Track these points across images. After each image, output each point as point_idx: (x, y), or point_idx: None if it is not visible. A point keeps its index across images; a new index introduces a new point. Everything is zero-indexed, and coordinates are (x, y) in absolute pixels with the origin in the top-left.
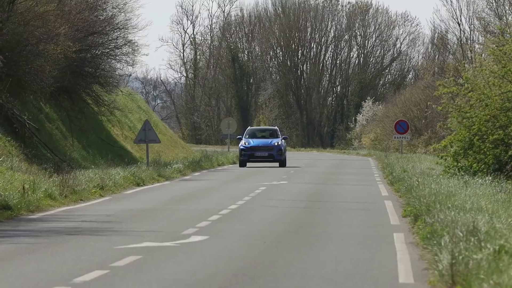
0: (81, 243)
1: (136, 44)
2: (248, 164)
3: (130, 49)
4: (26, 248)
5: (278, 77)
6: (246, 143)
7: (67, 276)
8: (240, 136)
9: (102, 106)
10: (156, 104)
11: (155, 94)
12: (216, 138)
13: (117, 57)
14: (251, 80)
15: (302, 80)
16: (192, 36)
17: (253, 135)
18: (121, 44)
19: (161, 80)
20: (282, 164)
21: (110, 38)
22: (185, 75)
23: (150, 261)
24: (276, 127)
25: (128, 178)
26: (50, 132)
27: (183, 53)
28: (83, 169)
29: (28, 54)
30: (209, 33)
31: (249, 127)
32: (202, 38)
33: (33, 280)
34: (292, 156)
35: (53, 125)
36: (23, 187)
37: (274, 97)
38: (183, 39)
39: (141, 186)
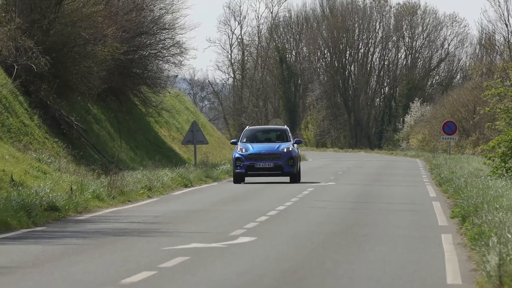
0: (129, 244)
1: (183, 45)
2: (247, 179)
3: (178, 50)
4: (74, 249)
5: (325, 78)
6: (244, 150)
7: (115, 277)
8: (235, 140)
9: (149, 107)
10: (203, 105)
11: (202, 95)
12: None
13: (165, 58)
14: (299, 81)
15: (350, 81)
16: (240, 37)
17: (253, 138)
18: (168, 45)
19: (208, 81)
20: (294, 178)
21: (157, 39)
22: (232, 76)
23: (198, 262)
24: (285, 127)
25: (176, 179)
26: (98, 133)
27: (230, 54)
28: (131, 170)
29: (76, 55)
30: (256, 34)
31: (248, 127)
32: (250, 39)
33: (81, 281)
34: (336, 158)
35: (101, 126)
36: (71, 188)
37: (321, 98)
38: (230, 40)
39: (189, 187)
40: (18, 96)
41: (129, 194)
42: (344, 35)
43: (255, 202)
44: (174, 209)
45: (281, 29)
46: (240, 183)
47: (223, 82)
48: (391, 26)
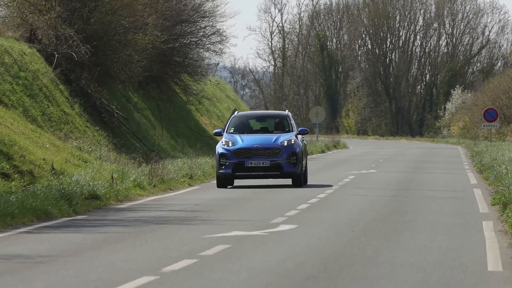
0: (170, 232)
1: (224, 33)
2: (236, 182)
3: (219, 38)
4: (114, 238)
5: (366, 66)
6: (230, 143)
7: (156, 266)
8: (218, 130)
9: (190, 95)
10: (244, 93)
11: (243, 83)
12: (305, 127)
13: (205, 46)
14: (340, 68)
15: (391, 68)
16: (280, 24)
17: (243, 127)
18: (209, 33)
19: (249, 69)
20: (298, 180)
21: (198, 27)
22: (273, 64)
23: (238, 250)
24: (287, 112)
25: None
26: (139, 122)
27: (271, 42)
28: (172, 158)
29: (116, 43)
30: (297, 22)
31: (236, 112)
32: (291, 27)
33: (122, 269)
34: (377, 145)
35: (142, 115)
36: (112, 176)
37: (362, 85)
38: (271, 28)
39: None
40: (58, 84)
41: (170, 182)
42: (385, 22)
43: (296, 189)
44: (215, 197)
45: (322, 16)
46: (225, 187)
47: (264, 70)
48: (432, 14)
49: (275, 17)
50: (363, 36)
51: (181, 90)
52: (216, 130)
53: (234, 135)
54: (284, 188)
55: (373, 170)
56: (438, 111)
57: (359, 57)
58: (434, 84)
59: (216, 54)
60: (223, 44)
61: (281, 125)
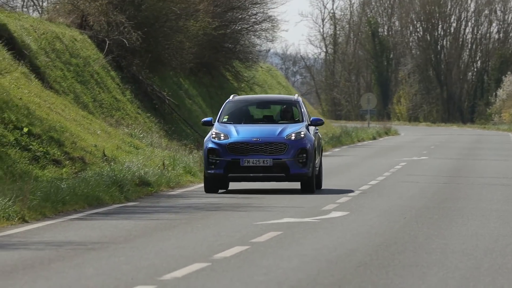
0: (221, 219)
1: (275, 19)
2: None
3: (270, 25)
4: (166, 224)
5: (418, 52)
6: (222, 136)
7: (207, 252)
8: (208, 119)
9: (242, 81)
10: (295, 79)
11: (294, 70)
12: (356, 114)
13: (257, 33)
14: (391, 55)
15: (442, 55)
16: (332, 11)
17: (240, 116)
18: (260, 19)
19: (300, 56)
20: (309, 184)
21: (249, 14)
22: (324, 50)
23: (290, 237)
24: (296, 97)
25: None
26: (190, 108)
27: (322, 28)
28: None
29: (167, 30)
30: (348, 8)
31: (232, 96)
32: (342, 13)
33: (173, 256)
34: (428, 132)
35: (193, 101)
36: (163, 163)
37: (414, 72)
38: (322, 14)
39: None
40: (110, 71)
41: None
42: (436, 9)
43: (347, 176)
44: (266, 184)
45: (373, 3)
46: (216, 191)
47: (315, 56)
48: (483, 0)
49: (326, 4)
50: (415, 22)
51: (233, 76)
52: (205, 119)
53: (228, 125)
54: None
55: (425, 157)
56: (489, 97)
57: (411, 44)
58: (485, 71)
59: (267, 41)
60: (275, 31)
61: (289, 114)
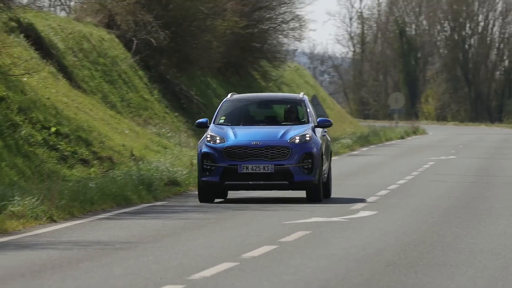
0: (250, 219)
1: (303, 19)
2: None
3: (297, 24)
4: (194, 224)
5: (445, 51)
6: (218, 139)
7: (236, 252)
8: (203, 120)
9: (269, 81)
10: (323, 79)
11: (322, 69)
12: (384, 113)
13: (284, 32)
14: (419, 54)
15: (470, 54)
16: (359, 10)
17: (238, 116)
18: (288, 19)
19: (328, 55)
20: (315, 193)
21: (277, 13)
22: (352, 49)
23: (318, 236)
24: (302, 95)
25: None
26: None
27: (350, 28)
28: None
29: (195, 29)
30: (376, 7)
31: (230, 95)
32: (369, 13)
33: (202, 255)
34: (456, 131)
35: (221, 101)
36: (191, 163)
37: (441, 71)
38: (350, 14)
39: None
40: (137, 70)
41: None
42: (464, 8)
43: (376, 175)
44: None
45: (400, 2)
46: (212, 201)
47: (343, 55)
48: None
49: (354, 3)
50: (442, 21)
51: (260, 76)
52: (200, 120)
53: (225, 127)
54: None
55: (453, 156)
56: None
57: (438, 43)
58: None
59: (295, 40)
60: (302, 30)
61: (293, 114)
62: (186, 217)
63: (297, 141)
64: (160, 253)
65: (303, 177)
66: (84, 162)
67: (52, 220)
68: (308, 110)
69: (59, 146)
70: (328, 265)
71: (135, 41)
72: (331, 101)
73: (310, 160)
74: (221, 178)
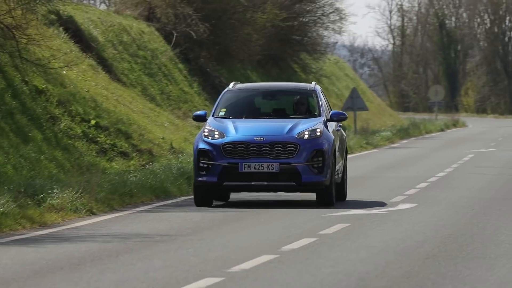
0: (289, 211)
1: (343, 11)
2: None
3: (337, 17)
4: (234, 216)
5: (485, 44)
6: (217, 134)
7: (276, 244)
8: (200, 113)
9: (309, 73)
10: (363, 71)
11: (362, 62)
12: (424, 106)
13: (324, 25)
14: (459, 47)
15: (510, 47)
16: (399, 3)
17: (241, 108)
18: (328, 11)
19: (368, 48)
20: (326, 195)
21: (317, 6)
22: (392, 42)
23: (358, 228)
24: (313, 85)
25: None
26: None
27: (390, 20)
28: None
29: (235, 22)
30: (416, 0)
31: (232, 84)
32: (409, 5)
33: (241, 248)
34: (496, 124)
35: None
36: None
37: (481, 64)
38: (390, 6)
39: (349, 154)
40: (177, 63)
41: None
42: (503, 1)
43: (415, 168)
44: None
45: None
46: (209, 204)
47: (383, 48)
48: None
49: None
50: (482, 14)
51: (300, 68)
52: (197, 112)
53: (225, 120)
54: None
55: (493, 149)
56: None
57: (478, 36)
58: None
59: (335, 33)
60: (342, 23)
61: (304, 106)
62: (226, 210)
63: (306, 136)
64: (199, 245)
65: (313, 177)
66: (124, 154)
67: (91, 213)
68: (320, 101)
69: (98, 139)
70: (367, 258)
71: (175, 34)
72: (371, 93)
73: (320, 158)
74: (220, 178)
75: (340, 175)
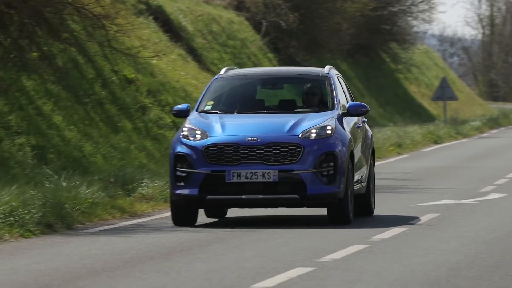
0: (379, 201)
1: (432, 1)
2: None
3: (427, 6)
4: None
5: None
6: (198, 133)
7: (365, 234)
8: (181, 107)
9: (399, 63)
10: (453, 61)
11: (451, 51)
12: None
13: (414, 14)
14: None
15: None
16: None
17: (234, 100)
18: (418, 1)
19: (458, 37)
20: (340, 211)
21: None
22: (481, 31)
23: (448, 218)
24: (326, 70)
25: (426, 135)
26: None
27: (479, 10)
28: (380, 127)
29: (324, 11)
30: None
31: (225, 69)
32: None
33: (332, 238)
34: None
35: (351, 83)
36: None
37: None
38: None
39: (439, 143)
40: (267, 53)
41: (378, 151)
42: None
43: (505, 158)
44: (424, 165)
45: None
46: (191, 223)
47: (472, 38)
48: None
49: None
50: None
51: (390, 58)
52: (179, 106)
53: (211, 116)
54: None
55: None
56: None
57: None
58: None
59: (424, 22)
60: (432, 12)
61: (316, 97)
62: None
63: (313, 135)
64: (289, 235)
65: (322, 188)
66: None
67: None
68: (334, 91)
69: None
70: (457, 247)
71: (265, 24)
72: (460, 83)
73: (331, 164)
74: (201, 191)
75: (364, 184)
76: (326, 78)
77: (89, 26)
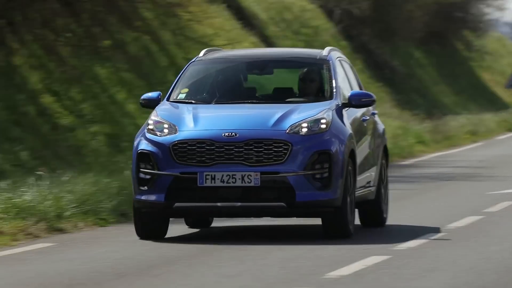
0: (454, 189)
1: None
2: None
3: None
4: (398, 195)
5: None
6: (165, 127)
7: (440, 222)
8: (151, 95)
9: (472, 51)
10: None
11: None
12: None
13: (486, 2)
14: None
15: None
16: None
17: (212, 90)
18: None
19: None
20: (337, 222)
21: None
22: None
23: None
24: (326, 52)
25: (500, 123)
26: (421, 78)
27: None
28: (454, 115)
29: None
30: None
31: (204, 51)
32: None
33: (406, 226)
34: None
35: (424, 71)
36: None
37: None
38: None
39: (510, 133)
40: (340, 40)
41: (453, 138)
42: None
43: None
44: (499, 153)
45: None
46: (159, 236)
47: None
48: None
49: None
50: None
51: (463, 45)
52: (148, 95)
53: (183, 106)
54: None
55: None
56: None
57: None
58: None
59: (497, 10)
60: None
61: (314, 84)
62: (391, 188)
63: (303, 130)
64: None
65: (314, 194)
66: None
67: None
68: (334, 77)
69: None
70: None
71: (338, 11)
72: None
73: (326, 165)
74: (168, 197)
75: (372, 189)
76: (325, 61)
77: (162, 14)
